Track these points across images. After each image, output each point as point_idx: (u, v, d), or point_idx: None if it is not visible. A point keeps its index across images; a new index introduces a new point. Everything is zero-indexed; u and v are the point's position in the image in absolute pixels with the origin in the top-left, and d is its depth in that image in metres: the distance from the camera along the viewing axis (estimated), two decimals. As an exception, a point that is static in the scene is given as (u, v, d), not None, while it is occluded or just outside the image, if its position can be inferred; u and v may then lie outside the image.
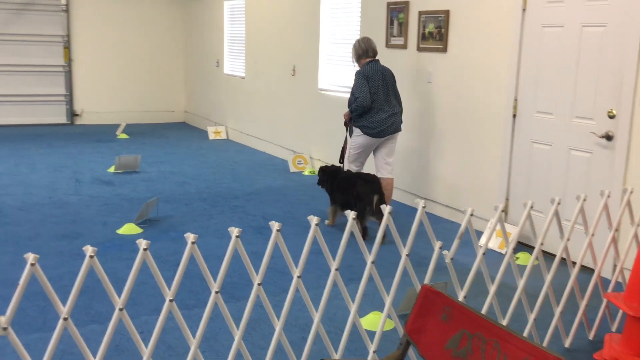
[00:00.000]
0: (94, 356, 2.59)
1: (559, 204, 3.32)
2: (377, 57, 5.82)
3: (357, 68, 5.91)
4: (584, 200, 3.41)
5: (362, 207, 5.24)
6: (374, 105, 5.63)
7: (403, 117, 6.44)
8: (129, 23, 11.99)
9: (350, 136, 5.95)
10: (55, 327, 2.41)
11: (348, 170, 5.76)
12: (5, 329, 2.24)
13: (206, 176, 7.81)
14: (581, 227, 4.70)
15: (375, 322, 3.73)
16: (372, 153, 5.95)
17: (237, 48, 10.39)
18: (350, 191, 5.39)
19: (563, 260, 4.53)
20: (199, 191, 7.01)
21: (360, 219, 5.24)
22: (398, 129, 5.81)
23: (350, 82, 7.25)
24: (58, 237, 5.28)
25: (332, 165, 5.86)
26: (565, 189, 4.98)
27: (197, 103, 12.22)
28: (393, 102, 5.76)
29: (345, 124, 6.06)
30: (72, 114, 11.84)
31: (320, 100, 8.04)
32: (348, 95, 6.30)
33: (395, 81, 5.83)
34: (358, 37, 7.16)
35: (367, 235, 5.35)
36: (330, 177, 5.68)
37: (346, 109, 6.07)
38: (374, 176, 5.46)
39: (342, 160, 6.21)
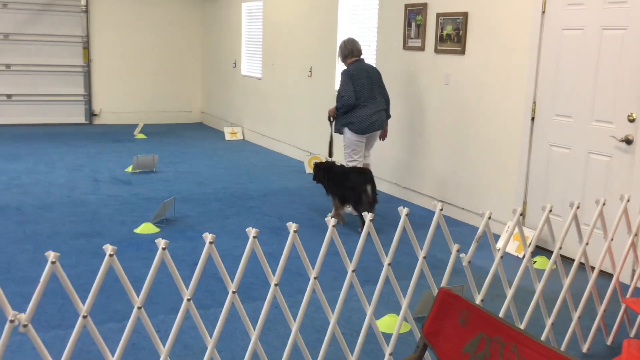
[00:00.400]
0: (112, 355, 2.61)
1: (578, 207, 3.29)
2: (362, 57, 6.14)
3: (344, 67, 6.20)
4: (604, 204, 3.38)
5: (357, 197, 5.51)
6: (359, 102, 5.94)
7: (420, 119, 6.48)
8: (147, 24, 12.08)
9: (334, 131, 6.29)
10: (73, 325, 2.44)
11: (341, 165, 5.97)
12: (25, 326, 2.26)
13: (222, 177, 7.84)
14: (600, 231, 4.65)
15: (391, 324, 3.73)
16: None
17: (254, 49, 10.43)
18: (344, 184, 5.65)
19: (581, 265, 4.49)
20: (215, 191, 7.04)
21: (355, 208, 5.63)
22: (382, 126, 6.12)
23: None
24: (76, 235, 5.33)
25: (327, 161, 6.06)
26: (584, 193, 4.94)
27: (214, 104, 12.28)
28: (378, 99, 6.05)
29: (329, 119, 6.35)
30: (90, 114, 11.95)
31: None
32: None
33: (380, 78, 6.12)
34: (374, 38, 7.19)
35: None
36: (325, 172, 5.89)
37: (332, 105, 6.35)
38: (366, 168, 5.80)
39: (330, 154, 6.55)
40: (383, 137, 6.34)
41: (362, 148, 6.09)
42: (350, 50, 6.07)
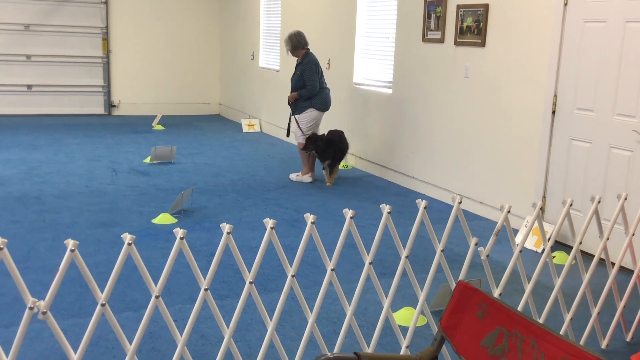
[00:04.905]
0: (129, 343, 2.62)
1: (599, 202, 3.24)
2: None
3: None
4: (625, 199, 3.33)
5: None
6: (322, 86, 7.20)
7: (438, 111, 6.47)
8: (166, 16, 12.11)
9: (294, 114, 7.24)
10: (91, 313, 2.46)
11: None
12: (44, 313, 2.28)
13: (239, 168, 7.85)
14: (621, 226, 4.60)
15: (407, 317, 3.71)
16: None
17: (273, 41, 10.41)
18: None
19: (601, 260, 4.44)
20: (232, 183, 7.05)
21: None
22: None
23: (386, 76, 7.29)
24: (95, 225, 5.37)
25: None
26: (604, 188, 4.88)
27: (232, 96, 12.29)
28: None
29: (289, 103, 7.29)
30: (109, 105, 12.03)
31: (355, 94, 8.01)
32: (383, 90, 7.41)
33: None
34: (393, 30, 7.14)
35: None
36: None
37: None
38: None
39: (288, 134, 7.47)
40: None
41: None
42: (305, 41, 7.07)
